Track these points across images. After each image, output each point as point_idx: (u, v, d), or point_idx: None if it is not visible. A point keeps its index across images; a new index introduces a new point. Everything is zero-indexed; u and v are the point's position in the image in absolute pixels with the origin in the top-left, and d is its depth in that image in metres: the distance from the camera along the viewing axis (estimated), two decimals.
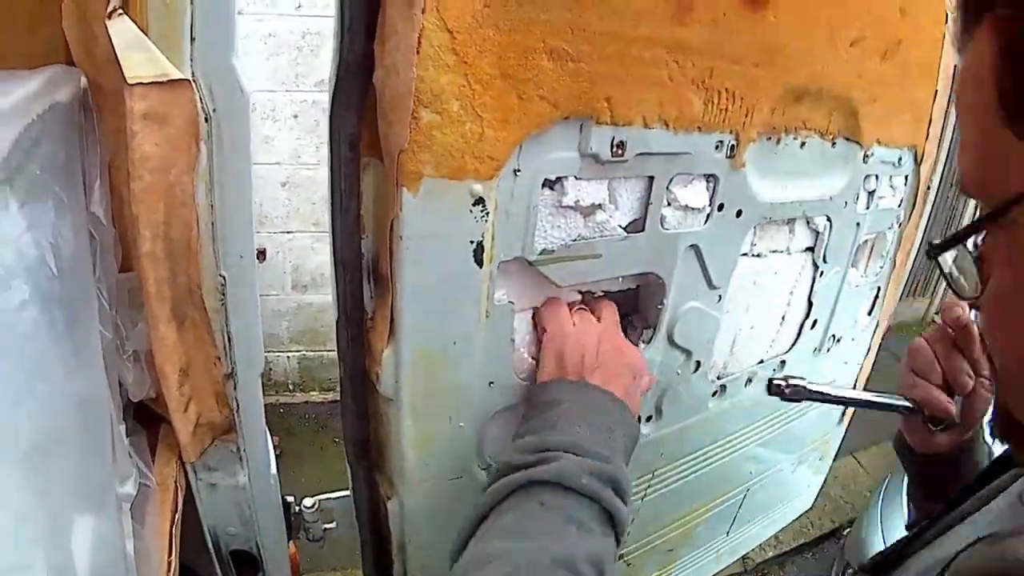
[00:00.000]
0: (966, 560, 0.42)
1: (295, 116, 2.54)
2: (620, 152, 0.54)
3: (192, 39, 0.48)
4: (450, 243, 0.50)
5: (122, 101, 0.50)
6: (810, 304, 0.79)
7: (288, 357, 2.91)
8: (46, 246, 0.45)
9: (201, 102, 0.48)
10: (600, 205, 0.57)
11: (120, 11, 0.49)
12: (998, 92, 0.28)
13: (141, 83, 0.45)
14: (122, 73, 0.45)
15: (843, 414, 0.99)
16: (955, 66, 0.34)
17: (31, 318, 0.42)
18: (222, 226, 0.52)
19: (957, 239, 0.34)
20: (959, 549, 0.44)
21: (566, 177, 0.54)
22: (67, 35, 0.54)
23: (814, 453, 0.98)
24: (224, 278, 0.53)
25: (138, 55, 0.46)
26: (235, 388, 0.56)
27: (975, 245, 0.35)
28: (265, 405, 0.62)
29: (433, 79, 0.45)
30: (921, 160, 0.82)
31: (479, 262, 0.52)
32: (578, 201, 0.55)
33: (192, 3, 0.47)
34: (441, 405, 0.57)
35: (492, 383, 0.58)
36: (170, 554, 0.53)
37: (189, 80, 0.47)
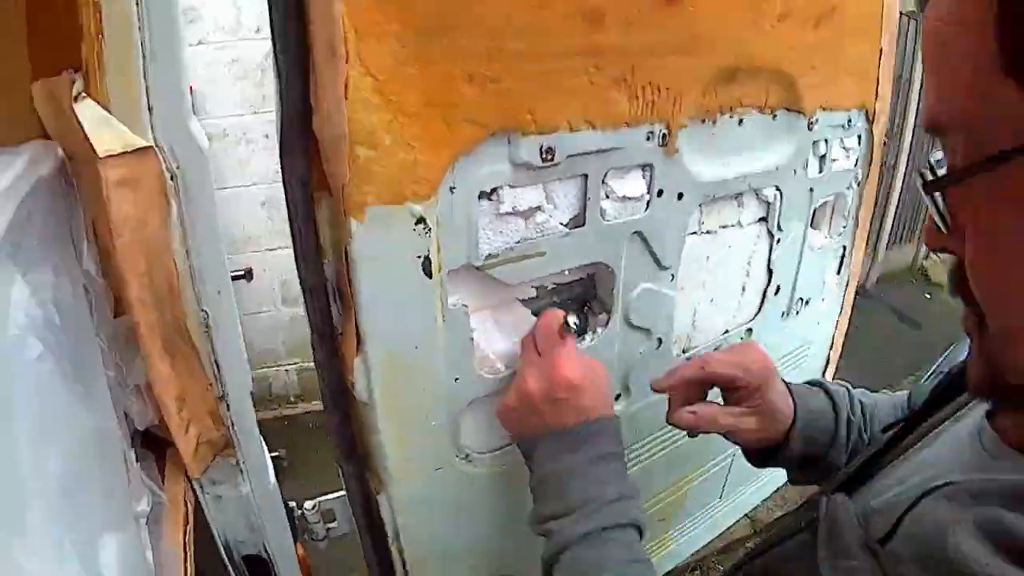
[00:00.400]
0: (931, 511, 0.41)
1: (266, 136, 2.64)
2: (550, 157, 0.61)
3: (150, 109, 0.56)
4: (399, 260, 0.58)
5: (95, 168, 0.59)
6: (770, 272, 0.85)
7: (287, 370, 3.03)
8: (50, 305, 0.54)
9: (166, 163, 0.57)
10: (538, 207, 0.64)
11: (84, 94, 0.57)
12: (999, 41, 0.29)
13: (111, 155, 0.54)
14: (93, 149, 0.54)
15: (823, 373, 1.05)
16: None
17: (47, 368, 0.51)
18: (199, 267, 0.60)
19: (957, 177, 0.35)
20: (924, 490, 0.44)
21: (501, 187, 0.61)
22: (40, 112, 0.63)
23: None
24: (206, 312, 0.61)
25: (105, 131, 0.55)
26: (228, 408, 0.65)
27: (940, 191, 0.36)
28: (268, 418, 0.71)
29: (364, 119, 0.52)
30: (874, 119, 0.87)
31: (428, 273, 0.59)
32: (515, 207, 0.62)
33: (145, 79, 0.56)
34: (412, 404, 0.65)
35: (457, 379, 0.66)
36: (186, 561, 0.62)
37: (152, 146, 0.56)
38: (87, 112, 0.55)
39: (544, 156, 0.61)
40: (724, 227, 0.78)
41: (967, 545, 0.35)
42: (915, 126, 4.42)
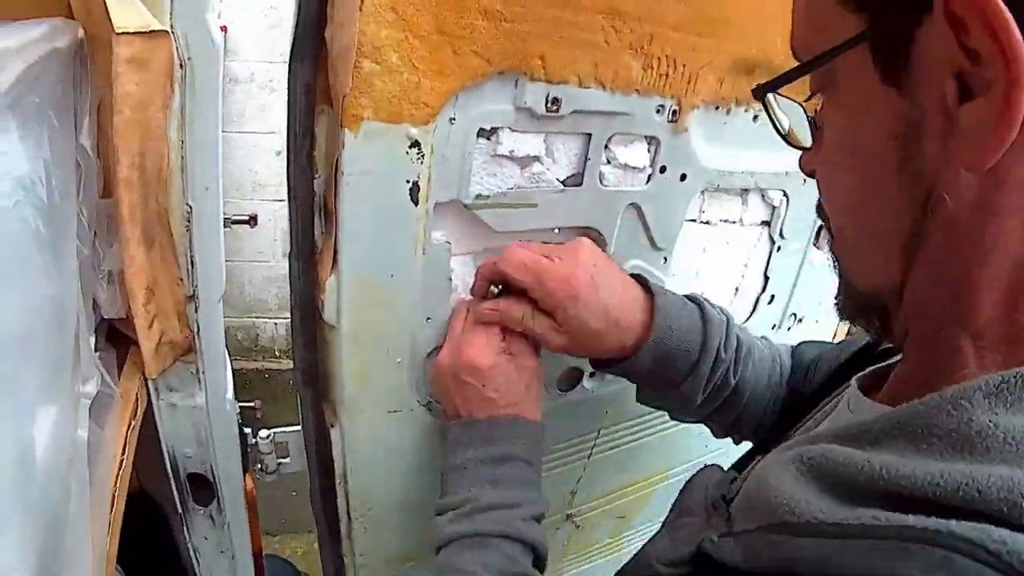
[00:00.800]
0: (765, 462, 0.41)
1: None
2: (555, 108, 0.63)
3: None
4: (387, 181, 0.60)
5: (111, 49, 0.62)
6: (766, 278, 0.86)
7: (276, 324, 3.05)
8: (38, 162, 0.57)
9: (178, 51, 0.60)
10: (536, 157, 0.66)
11: None
12: None
13: (127, 32, 0.57)
14: (111, 23, 0.57)
15: None
16: None
17: (19, 218, 0.54)
18: (191, 160, 0.63)
19: (785, 79, 0.41)
20: None
21: (501, 128, 0.63)
22: None
23: None
24: (190, 207, 0.64)
25: (125, 9, 0.58)
26: (196, 310, 0.67)
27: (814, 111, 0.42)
28: (249, 368, 0.73)
29: (374, 33, 0.55)
30: None
31: (415, 200, 0.62)
32: (513, 151, 0.64)
33: None
34: (379, 336, 0.66)
35: (429, 319, 0.67)
36: (123, 453, 0.63)
37: (168, 31, 0.59)
38: None
39: (549, 105, 0.63)
40: (725, 221, 0.80)
41: (789, 486, 0.34)
42: None
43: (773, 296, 0.87)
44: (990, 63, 0.27)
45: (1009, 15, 0.26)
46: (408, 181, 0.61)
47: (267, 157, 2.77)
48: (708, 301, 0.67)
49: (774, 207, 0.82)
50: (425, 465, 0.75)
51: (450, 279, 0.67)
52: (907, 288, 0.36)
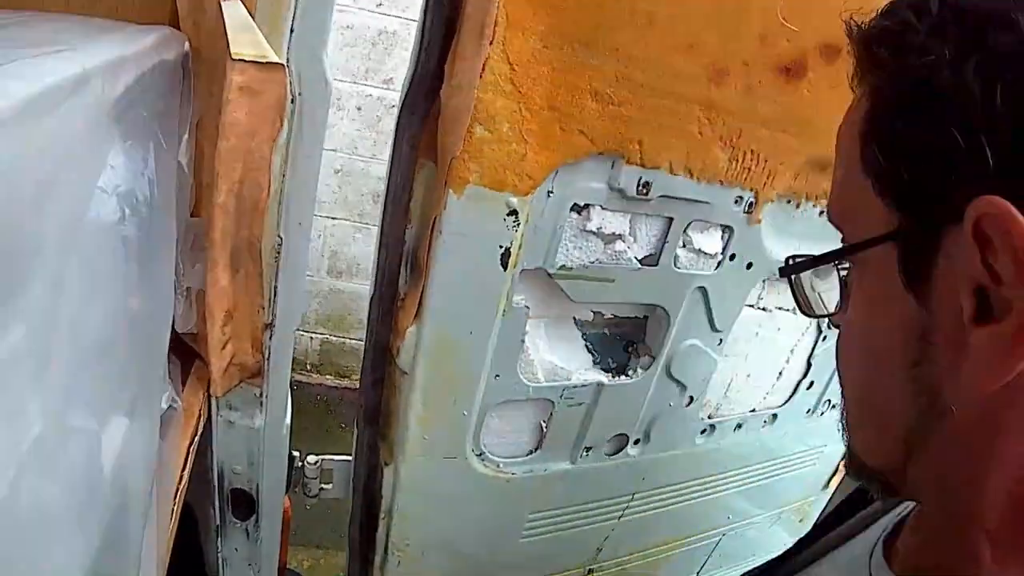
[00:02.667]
0: None
1: (358, 108, 2.70)
2: (645, 191, 0.64)
3: (292, 30, 0.61)
4: (482, 245, 0.60)
5: (221, 70, 0.63)
6: (808, 365, 0.86)
7: (311, 338, 3.04)
8: (142, 179, 0.57)
9: (290, 85, 0.60)
10: (620, 235, 0.67)
11: None
12: (861, 147, 0.33)
13: (243, 59, 0.57)
14: (228, 48, 0.58)
15: (829, 480, 1.05)
16: None
17: (123, 235, 0.54)
18: (288, 194, 0.63)
19: (814, 263, 0.39)
20: None
21: (593, 205, 0.64)
22: (178, 3, 0.67)
23: (794, 514, 1.04)
24: (281, 239, 0.64)
25: (244, 36, 0.58)
26: (271, 337, 0.67)
27: (844, 272, 0.40)
28: None
29: (490, 101, 0.56)
30: None
31: (504, 265, 0.62)
32: (600, 228, 0.65)
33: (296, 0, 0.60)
34: (449, 387, 0.66)
35: (498, 376, 0.68)
36: (183, 468, 0.63)
37: (283, 64, 0.59)
38: (233, 12, 0.58)
39: (640, 189, 0.64)
40: (780, 308, 0.81)
41: None
42: None
43: (812, 382, 0.88)
44: (1011, 287, 0.26)
45: None
46: (501, 247, 0.61)
47: (326, 174, 2.76)
48: None
49: None
50: (468, 509, 0.75)
51: (523, 340, 0.68)
52: (909, 473, 0.35)
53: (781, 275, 0.43)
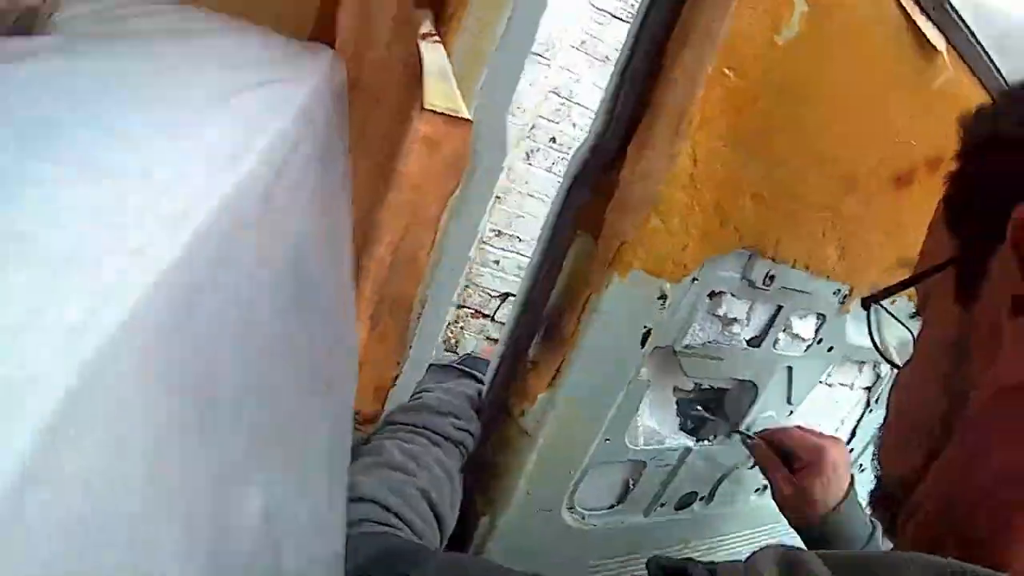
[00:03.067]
0: None
1: None
2: (769, 283, 0.68)
3: (482, 87, 0.60)
4: (630, 325, 0.63)
5: (389, 110, 0.61)
6: (853, 434, 0.95)
7: None
8: (333, 221, 0.54)
9: (471, 143, 0.60)
10: (738, 320, 0.71)
11: (436, 37, 0.59)
12: (943, 197, 0.41)
13: (434, 110, 0.56)
14: (421, 95, 0.56)
15: None
16: None
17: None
18: (443, 253, 0.63)
19: (888, 291, 0.46)
20: None
21: (725, 292, 0.68)
22: (340, 24, 0.64)
23: None
24: (425, 298, 0.64)
25: (439, 84, 0.56)
26: (394, 389, 0.67)
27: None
28: None
29: (670, 195, 0.58)
30: None
31: (643, 344, 0.65)
32: (726, 313, 0.69)
33: (495, 53, 0.59)
34: (564, 448, 0.68)
35: (608, 440, 0.70)
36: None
37: (471, 121, 0.58)
38: (432, 56, 0.56)
39: (766, 280, 0.68)
40: (842, 384, 0.88)
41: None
42: None
43: (853, 448, 0.97)
44: None
45: None
46: (645, 327, 0.64)
47: None
48: None
49: (879, 376, 0.91)
50: (547, 555, 0.78)
51: (637, 409, 0.71)
52: (920, 483, 0.37)
53: (863, 305, 0.50)
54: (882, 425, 0.46)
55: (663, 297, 0.63)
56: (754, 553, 0.36)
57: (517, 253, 2.83)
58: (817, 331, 0.78)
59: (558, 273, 0.64)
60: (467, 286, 2.88)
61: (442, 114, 0.55)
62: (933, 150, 0.72)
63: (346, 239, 0.57)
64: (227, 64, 0.49)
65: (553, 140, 2.73)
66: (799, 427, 0.77)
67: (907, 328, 0.49)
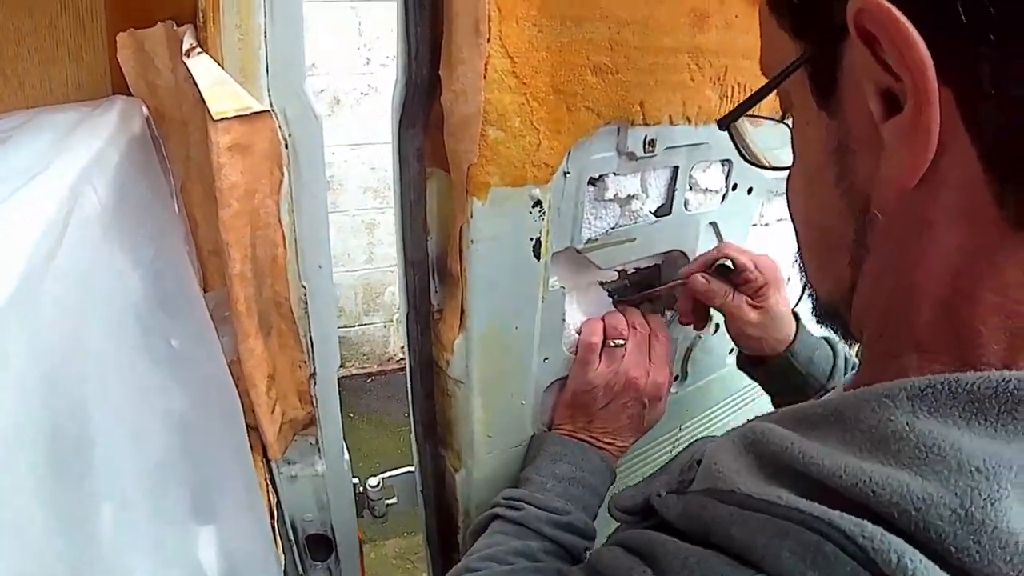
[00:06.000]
0: None
1: None
2: (651, 148, 0.67)
3: (267, 70, 0.58)
4: (513, 242, 0.62)
5: (196, 130, 0.60)
6: None
7: None
8: (158, 275, 0.55)
9: (280, 130, 0.59)
10: (634, 196, 0.70)
11: (198, 49, 0.58)
12: None
13: (225, 118, 0.55)
14: (207, 109, 0.55)
15: None
16: None
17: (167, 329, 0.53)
18: (301, 241, 0.63)
19: (742, 108, 0.45)
20: None
21: (607, 174, 0.67)
22: (123, 66, 0.62)
23: None
24: (305, 288, 0.64)
25: (221, 90, 0.55)
26: (315, 385, 0.68)
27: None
28: None
29: (498, 100, 0.56)
30: None
31: (537, 256, 0.64)
32: (616, 194, 0.68)
33: (265, 36, 0.57)
34: (505, 383, 0.69)
35: (547, 358, 0.71)
36: (277, 548, 0.65)
37: (269, 111, 0.57)
38: (201, 68, 0.55)
39: (646, 147, 0.67)
40: (779, 220, 0.87)
41: (728, 457, 0.36)
42: None
43: None
44: (903, 76, 0.28)
45: (910, 26, 0.27)
46: (532, 239, 0.63)
47: None
48: None
49: None
50: None
51: (563, 319, 0.71)
52: (855, 296, 0.38)
53: (720, 128, 0.50)
54: (796, 241, 0.45)
55: (537, 203, 0.62)
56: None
57: None
58: (727, 177, 0.76)
59: (424, 213, 0.64)
60: None
61: (236, 117, 0.55)
62: None
63: (179, 262, 0.57)
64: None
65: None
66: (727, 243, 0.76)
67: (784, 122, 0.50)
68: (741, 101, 0.45)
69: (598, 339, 0.72)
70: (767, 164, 0.51)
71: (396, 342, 3.52)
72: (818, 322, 0.46)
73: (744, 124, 0.52)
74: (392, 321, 3.40)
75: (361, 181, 3.10)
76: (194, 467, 0.48)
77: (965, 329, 0.31)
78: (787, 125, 0.46)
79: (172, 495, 0.45)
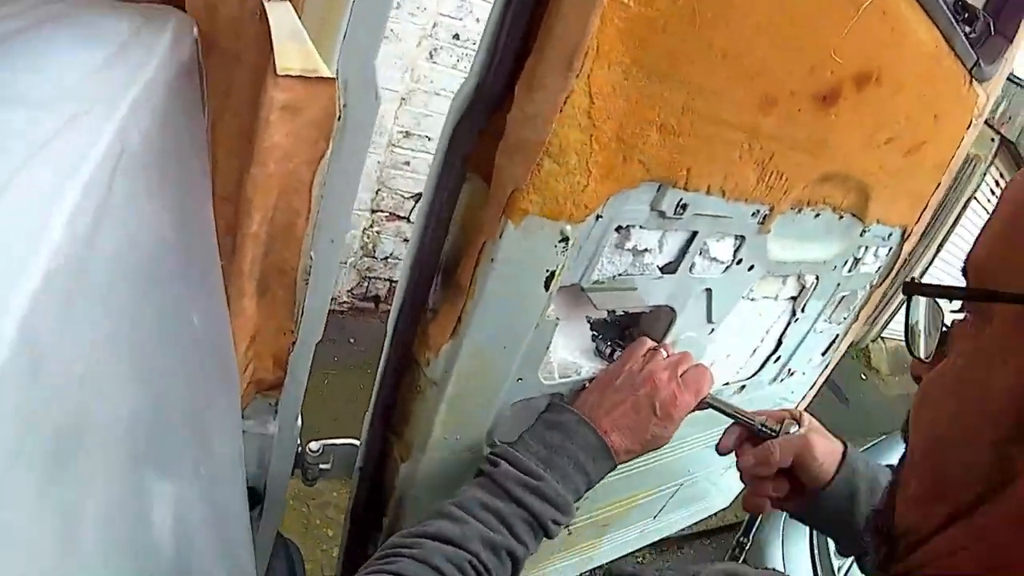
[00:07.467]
0: None
1: None
2: (681, 212, 0.69)
3: (345, 35, 0.56)
4: (531, 270, 0.64)
5: (248, 73, 0.57)
6: (779, 343, 1.01)
7: None
8: (189, 235, 0.53)
9: (337, 100, 0.57)
10: (650, 250, 0.72)
11: None
12: None
13: (289, 75, 0.53)
14: (273, 59, 0.53)
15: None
16: None
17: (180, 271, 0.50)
18: (323, 214, 0.62)
19: (941, 292, 0.40)
20: None
21: (634, 226, 0.69)
22: None
23: None
24: (312, 259, 0.63)
25: (293, 45, 0.53)
26: (292, 352, 0.68)
27: (947, 323, 0.40)
28: None
29: (565, 135, 0.57)
30: (907, 238, 1.05)
31: (547, 287, 0.66)
32: (636, 246, 0.70)
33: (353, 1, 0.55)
34: (476, 394, 0.71)
35: (520, 379, 0.74)
36: None
37: (334, 79, 0.56)
38: (280, 17, 0.53)
39: (677, 210, 0.69)
40: (765, 297, 0.93)
41: None
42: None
43: (780, 356, 1.03)
44: None
45: None
46: (548, 271, 0.65)
47: None
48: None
49: (804, 287, 0.96)
50: None
51: (548, 347, 0.74)
52: (939, 542, 0.35)
53: (904, 293, 0.43)
54: (901, 459, 0.42)
55: (564, 240, 0.64)
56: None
57: (427, 152, 2.83)
58: (736, 252, 0.80)
59: (450, 216, 0.64)
60: (379, 189, 2.89)
61: (299, 77, 0.53)
62: (860, 66, 0.71)
63: (207, 224, 0.56)
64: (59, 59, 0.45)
65: (456, 37, 2.66)
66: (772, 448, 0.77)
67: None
68: (942, 287, 0.41)
69: (648, 346, 0.77)
70: (915, 352, 0.44)
71: (344, 285, 3.47)
72: (868, 530, 0.43)
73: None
74: (345, 263, 3.34)
75: None
76: (195, 434, 0.48)
77: None
78: (943, 313, 0.43)
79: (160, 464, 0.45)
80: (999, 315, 0.33)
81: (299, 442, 0.81)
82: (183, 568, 0.43)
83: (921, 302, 0.43)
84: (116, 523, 0.35)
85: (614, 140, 0.60)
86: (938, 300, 0.43)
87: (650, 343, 0.78)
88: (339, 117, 0.58)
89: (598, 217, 0.65)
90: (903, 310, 0.45)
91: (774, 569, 0.45)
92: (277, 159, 0.56)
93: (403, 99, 2.87)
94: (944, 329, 0.40)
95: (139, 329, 0.39)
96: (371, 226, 3.19)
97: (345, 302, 3.53)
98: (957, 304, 0.39)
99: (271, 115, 0.54)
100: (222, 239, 0.60)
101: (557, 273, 0.66)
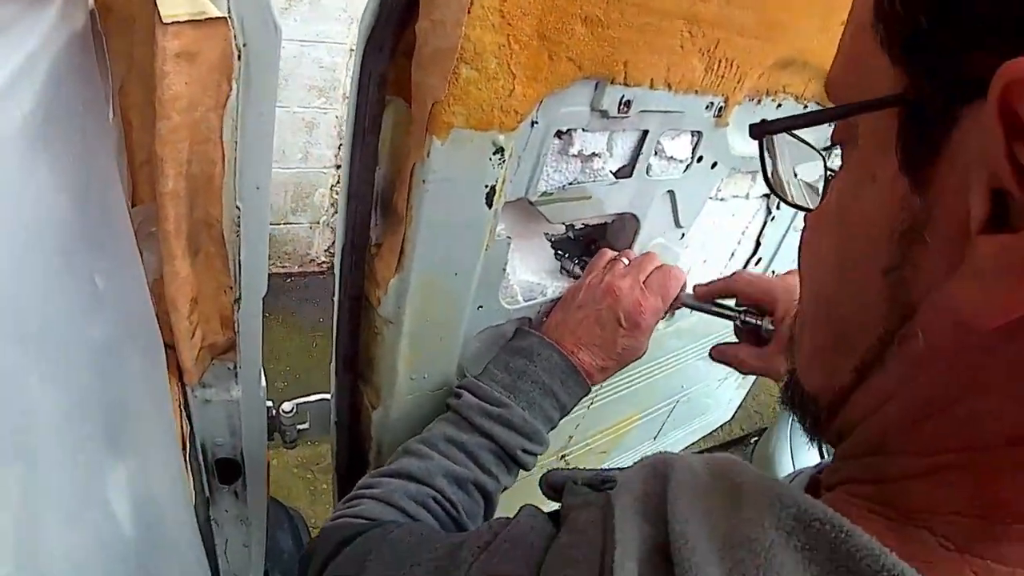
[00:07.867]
0: None
1: None
2: (626, 110, 0.66)
3: None
4: (467, 187, 0.61)
5: (143, 29, 0.55)
6: (758, 244, 0.98)
7: None
8: (84, 196, 0.51)
9: (234, 39, 0.54)
10: (598, 154, 0.69)
11: None
12: (874, 10, 0.28)
13: (177, 21, 0.50)
14: (157, 10, 0.50)
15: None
16: None
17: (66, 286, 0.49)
18: (242, 160, 0.59)
19: (791, 123, 0.36)
20: None
21: (575, 129, 0.66)
22: None
23: (734, 375, 1.24)
24: (239, 209, 0.61)
25: None
26: (238, 310, 0.66)
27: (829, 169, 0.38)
28: None
29: (478, 38, 0.53)
30: None
31: (490, 204, 0.63)
32: (581, 151, 0.67)
33: None
34: (435, 328, 0.69)
35: (481, 307, 0.71)
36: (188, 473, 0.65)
37: (226, 17, 0.52)
38: None
39: (621, 107, 0.66)
40: (735, 196, 0.89)
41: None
42: None
43: (760, 258, 1.00)
44: None
45: None
46: (487, 186, 0.62)
47: None
48: None
49: None
50: None
51: (504, 269, 0.72)
52: (845, 406, 0.33)
53: (751, 135, 0.39)
54: (794, 319, 0.39)
55: (499, 151, 0.61)
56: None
57: None
58: (694, 149, 0.77)
59: (376, 142, 0.61)
60: (341, 144, 2.89)
61: (189, 21, 0.50)
62: None
63: (109, 188, 0.54)
64: None
65: None
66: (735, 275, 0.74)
67: (820, 154, 0.44)
68: (787, 115, 0.41)
69: (608, 256, 0.74)
70: (791, 200, 0.42)
71: (320, 244, 3.46)
72: (783, 403, 0.40)
73: (783, 140, 0.43)
74: (319, 223, 3.33)
75: (307, 79, 2.98)
76: (111, 401, 0.47)
77: (992, 510, 0.27)
78: (823, 157, 0.42)
79: (87, 432, 0.44)
80: (862, 134, 0.31)
81: (272, 405, 0.80)
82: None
83: (781, 146, 0.41)
84: None
85: (535, 38, 0.57)
86: (800, 139, 0.40)
87: (611, 253, 0.76)
88: (239, 57, 0.54)
89: (533, 123, 0.62)
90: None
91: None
92: (181, 109, 0.53)
93: (351, 50, 2.85)
94: (830, 176, 0.37)
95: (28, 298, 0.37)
96: (337, 182, 3.20)
97: (324, 262, 3.55)
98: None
99: (165, 65, 0.51)
100: (150, 204, 0.58)
101: (498, 188, 0.63)
